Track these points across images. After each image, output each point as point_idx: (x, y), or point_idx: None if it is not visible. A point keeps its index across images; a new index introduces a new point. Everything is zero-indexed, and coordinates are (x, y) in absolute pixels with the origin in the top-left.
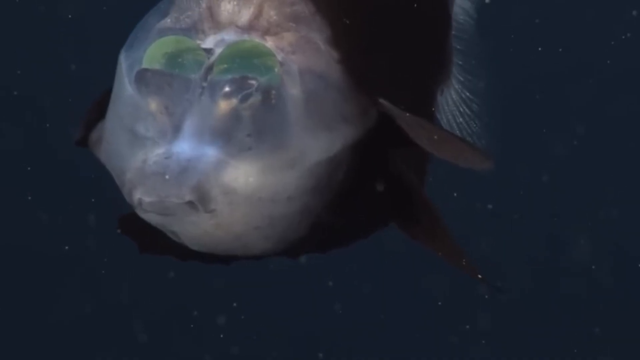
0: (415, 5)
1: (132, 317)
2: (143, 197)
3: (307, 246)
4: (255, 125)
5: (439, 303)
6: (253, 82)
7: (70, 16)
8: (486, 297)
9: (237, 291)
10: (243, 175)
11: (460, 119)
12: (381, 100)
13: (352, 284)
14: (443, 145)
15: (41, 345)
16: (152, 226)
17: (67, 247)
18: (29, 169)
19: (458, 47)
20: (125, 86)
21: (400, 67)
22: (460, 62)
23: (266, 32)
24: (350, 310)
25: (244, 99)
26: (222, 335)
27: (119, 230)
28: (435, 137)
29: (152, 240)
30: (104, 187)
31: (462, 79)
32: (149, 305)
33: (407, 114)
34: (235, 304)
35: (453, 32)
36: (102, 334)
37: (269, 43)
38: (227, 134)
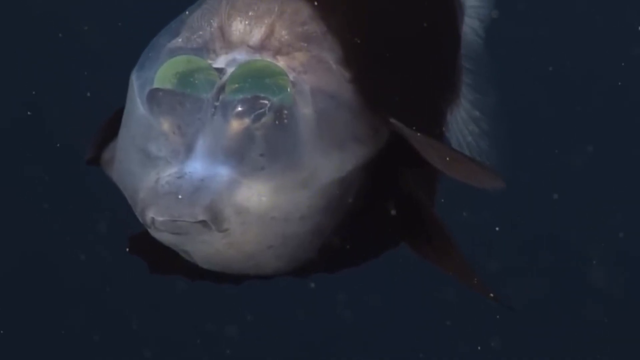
0: (426, 25)
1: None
2: (156, 217)
3: (318, 265)
4: (268, 145)
5: (448, 312)
6: (265, 101)
7: (88, 42)
8: (497, 317)
9: (244, 300)
10: (256, 195)
11: (470, 138)
12: (392, 120)
13: (361, 293)
14: (454, 165)
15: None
16: (163, 246)
17: (83, 257)
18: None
19: (467, 66)
20: (137, 106)
21: (411, 86)
22: (469, 81)
23: (278, 52)
24: (360, 321)
25: (256, 119)
26: (227, 345)
27: (128, 250)
28: (447, 157)
29: (162, 260)
30: (116, 204)
31: (471, 97)
32: (157, 313)
33: (419, 134)
34: (241, 313)
35: (462, 52)
36: (109, 342)
37: (281, 63)
38: (239, 154)
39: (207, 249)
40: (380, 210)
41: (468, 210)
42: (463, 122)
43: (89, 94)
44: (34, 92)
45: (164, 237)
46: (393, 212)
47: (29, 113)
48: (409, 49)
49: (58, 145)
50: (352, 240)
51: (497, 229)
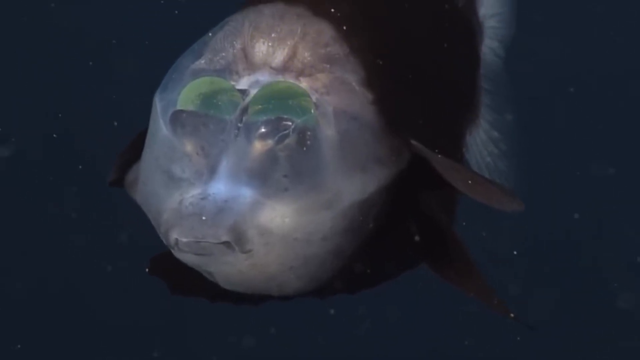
0: (446, 46)
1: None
2: (180, 238)
3: (338, 286)
4: (292, 166)
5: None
6: (289, 123)
7: (112, 62)
8: (518, 338)
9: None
10: (279, 216)
11: (489, 159)
12: (413, 142)
13: (379, 307)
14: (475, 187)
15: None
16: (185, 267)
17: (109, 268)
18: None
19: (486, 86)
20: (160, 127)
21: (431, 107)
22: (488, 102)
23: (300, 74)
24: (377, 335)
25: (279, 140)
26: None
27: (148, 271)
28: (468, 180)
29: (183, 281)
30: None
31: (490, 118)
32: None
33: (440, 156)
34: (260, 326)
35: (481, 72)
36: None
37: (304, 84)
38: (263, 175)
39: (230, 269)
40: (401, 231)
41: (487, 230)
42: (482, 143)
43: (115, 122)
44: (60, 115)
45: (187, 258)
46: (413, 232)
47: (54, 136)
48: (429, 70)
49: (81, 167)
50: (372, 261)
51: (514, 252)
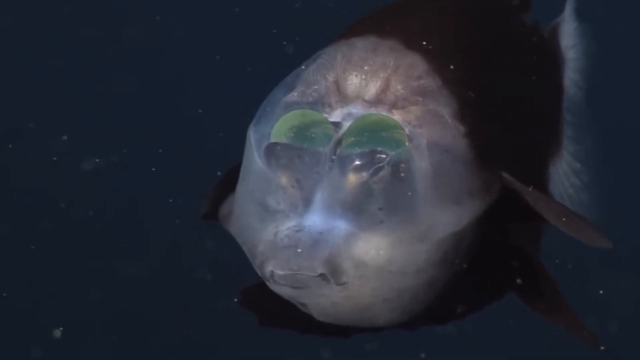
0: (534, 78)
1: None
2: (275, 270)
3: (428, 318)
4: (386, 199)
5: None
6: (383, 155)
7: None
8: None
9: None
10: (374, 249)
11: (571, 190)
12: (504, 174)
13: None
14: (567, 221)
15: None
16: (275, 299)
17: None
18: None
19: (568, 118)
20: (255, 160)
21: (519, 140)
22: (570, 134)
23: (393, 106)
24: None
25: (374, 173)
26: None
27: (238, 302)
28: (561, 214)
29: (273, 313)
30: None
31: (572, 150)
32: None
33: (531, 189)
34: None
35: (564, 103)
36: None
37: (397, 116)
38: (358, 207)
39: (324, 301)
40: (490, 262)
41: (573, 262)
42: (564, 174)
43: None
44: (159, 148)
45: (282, 290)
46: (502, 264)
47: (153, 169)
48: (517, 102)
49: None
50: (462, 292)
51: (601, 292)
